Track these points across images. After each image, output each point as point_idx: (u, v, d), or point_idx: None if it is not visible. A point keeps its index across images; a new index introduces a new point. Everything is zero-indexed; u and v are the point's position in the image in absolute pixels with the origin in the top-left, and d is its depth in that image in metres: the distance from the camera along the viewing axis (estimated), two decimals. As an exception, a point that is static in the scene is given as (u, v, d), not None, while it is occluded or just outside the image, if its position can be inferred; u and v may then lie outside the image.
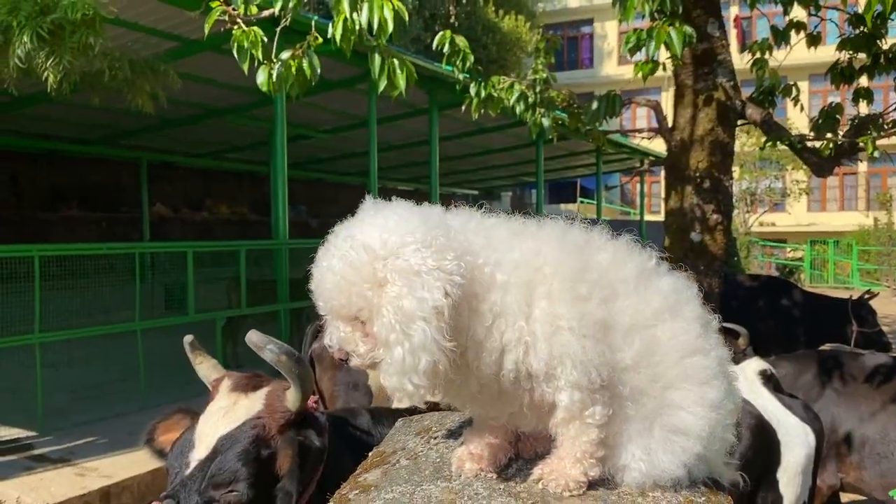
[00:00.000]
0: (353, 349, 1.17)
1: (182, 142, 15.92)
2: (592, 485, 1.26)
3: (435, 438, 1.50)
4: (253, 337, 1.85)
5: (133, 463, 5.51)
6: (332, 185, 21.52)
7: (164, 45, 8.59)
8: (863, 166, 27.77)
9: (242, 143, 16.03)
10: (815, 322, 7.25)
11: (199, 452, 1.83)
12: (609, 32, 31.97)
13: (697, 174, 4.75)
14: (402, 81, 3.02)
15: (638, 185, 25.80)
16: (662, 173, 5.63)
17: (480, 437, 1.32)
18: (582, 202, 28.11)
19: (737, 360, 3.55)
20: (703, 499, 1.25)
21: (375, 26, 2.79)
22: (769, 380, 3.26)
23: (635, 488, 1.25)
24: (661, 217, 6.70)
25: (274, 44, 3.21)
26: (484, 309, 1.15)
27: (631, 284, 1.26)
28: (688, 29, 3.75)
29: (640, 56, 4.25)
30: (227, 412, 1.90)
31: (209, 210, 18.30)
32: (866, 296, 7.27)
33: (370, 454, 1.49)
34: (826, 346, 4.98)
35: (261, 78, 3.33)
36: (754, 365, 3.31)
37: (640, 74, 4.07)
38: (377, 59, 3.00)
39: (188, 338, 2.14)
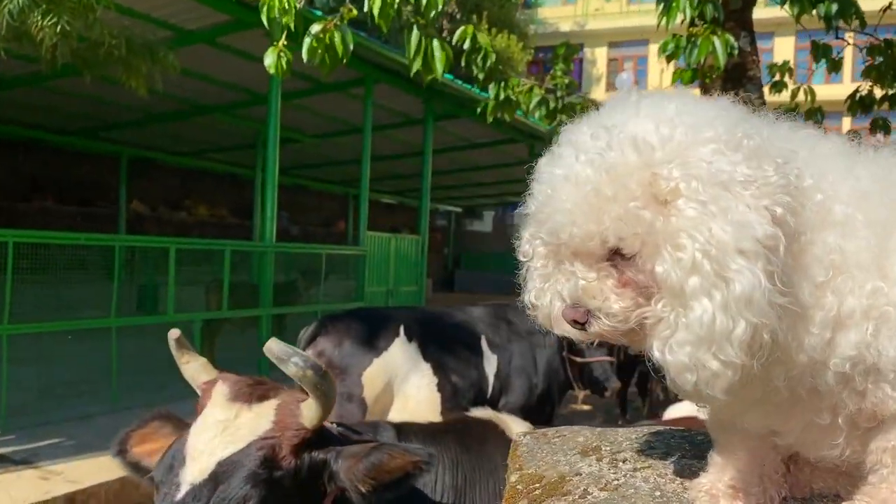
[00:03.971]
0: (600, 305, 0.79)
1: (165, 138, 15.55)
2: None
3: (623, 462, 1.08)
4: (273, 347, 1.60)
5: (101, 469, 5.14)
6: (315, 192, 21.17)
7: (158, 34, 8.28)
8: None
9: (227, 144, 15.71)
10: None
11: (191, 474, 1.56)
12: (599, 59, 32.13)
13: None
14: (439, 66, 2.78)
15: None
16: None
17: (736, 462, 0.94)
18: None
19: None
20: None
21: (424, 2, 2.53)
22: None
23: None
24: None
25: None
26: (810, 258, 0.76)
27: None
28: (730, 38, 3.57)
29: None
30: (227, 428, 1.61)
31: (188, 210, 17.90)
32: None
33: (511, 484, 1.09)
34: None
35: (269, 60, 3.06)
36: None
37: (675, 82, 3.90)
38: (415, 36, 2.74)
39: (174, 332, 1.80)
